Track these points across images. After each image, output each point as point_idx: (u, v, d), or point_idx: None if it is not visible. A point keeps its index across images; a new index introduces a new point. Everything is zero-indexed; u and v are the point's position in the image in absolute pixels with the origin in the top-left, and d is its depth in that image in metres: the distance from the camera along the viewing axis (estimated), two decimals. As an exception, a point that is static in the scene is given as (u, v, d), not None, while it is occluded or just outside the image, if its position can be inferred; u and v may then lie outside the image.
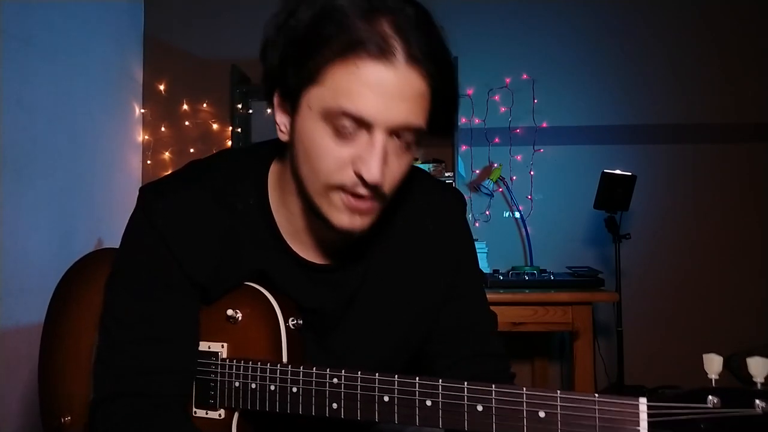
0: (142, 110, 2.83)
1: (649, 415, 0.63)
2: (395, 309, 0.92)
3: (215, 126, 2.82)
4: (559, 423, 0.66)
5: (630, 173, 2.25)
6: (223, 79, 2.72)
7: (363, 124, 0.72)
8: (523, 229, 2.66)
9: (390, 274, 0.92)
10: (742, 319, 2.59)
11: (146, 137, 2.82)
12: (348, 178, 0.74)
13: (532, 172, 2.70)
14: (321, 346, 0.91)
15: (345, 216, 0.77)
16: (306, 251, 0.88)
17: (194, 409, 0.86)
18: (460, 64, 2.56)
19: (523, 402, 0.68)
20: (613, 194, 2.24)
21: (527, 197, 2.69)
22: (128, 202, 2.71)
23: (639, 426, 0.63)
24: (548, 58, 2.73)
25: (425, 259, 0.93)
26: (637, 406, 0.63)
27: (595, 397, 0.65)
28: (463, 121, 2.68)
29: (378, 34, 0.71)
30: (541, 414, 0.67)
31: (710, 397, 0.60)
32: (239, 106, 2.67)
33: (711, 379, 0.62)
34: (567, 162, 2.70)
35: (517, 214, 2.67)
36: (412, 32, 0.72)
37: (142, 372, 0.82)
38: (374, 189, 0.75)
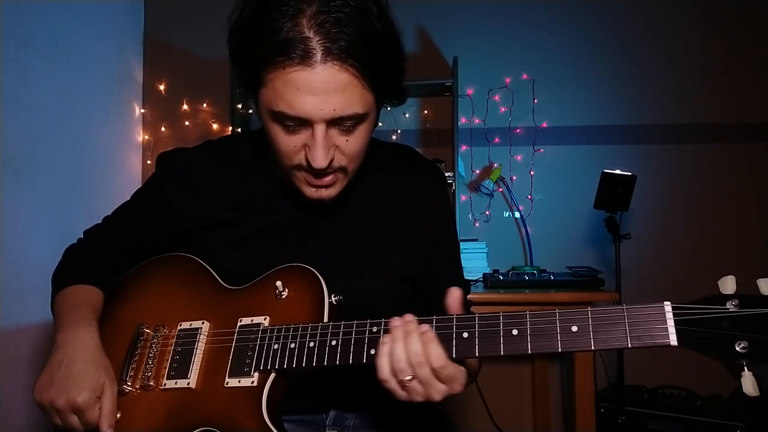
0: (142, 110, 2.82)
1: (675, 315, 0.69)
2: (368, 231, 1.02)
3: (215, 126, 2.82)
4: (591, 332, 0.72)
5: (630, 173, 2.24)
6: (223, 79, 2.72)
7: (302, 121, 0.84)
8: (523, 229, 2.66)
9: (369, 204, 1.04)
10: (742, 319, 2.58)
11: (146, 137, 2.82)
12: (303, 160, 0.88)
13: (532, 172, 2.70)
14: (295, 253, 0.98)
15: (312, 189, 0.92)
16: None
17: (227, 379, 0.88)
18: (460, 64, 2.56)
19: (556, 320, 0.74)
20: (613, 194, 2.24)
21: (527, 197, 2.69)
22: (128, 202, 2.71)
23: (666, 324, 0.68)
24: (548, 58, 2.73)
25: (406, 206, 1.05)
26: (662, 308, 0.69)
27: (623, 306, 0.71)
28: (463, 121, 2.68)
29: (299, 34, 0.78)
30: (574, 328, 0.72)
31: (729, 301, 0.68)
32: (239, 106, 2.67)
33: (727, 295, 0.69)
34: (567, 162, 2.70)
35: (517, 214, 2.67)
36: (331, 26, 0.78)
37: (108, 232, 1.16)
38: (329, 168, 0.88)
